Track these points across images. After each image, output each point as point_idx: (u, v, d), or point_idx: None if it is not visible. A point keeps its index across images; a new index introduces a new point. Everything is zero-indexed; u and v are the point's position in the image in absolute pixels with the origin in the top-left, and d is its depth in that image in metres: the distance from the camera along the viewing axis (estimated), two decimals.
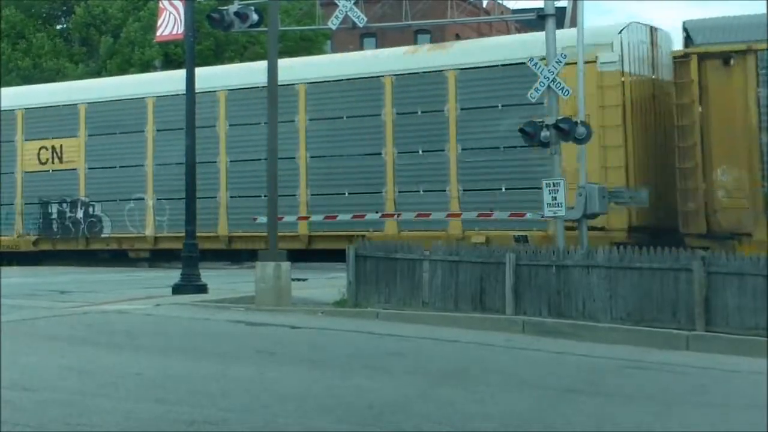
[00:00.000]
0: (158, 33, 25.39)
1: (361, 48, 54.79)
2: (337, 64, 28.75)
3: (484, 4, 64.55)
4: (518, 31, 55.09)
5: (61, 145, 31.25)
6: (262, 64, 31.60)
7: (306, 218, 26.98)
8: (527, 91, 18.15)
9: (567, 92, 17.78)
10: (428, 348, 13.34)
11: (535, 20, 20.81)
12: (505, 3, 57.99)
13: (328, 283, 20.34)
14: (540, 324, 14.84)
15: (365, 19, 20.93)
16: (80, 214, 30.69)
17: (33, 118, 31.89)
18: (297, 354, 12.36)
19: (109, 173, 30.22)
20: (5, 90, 35.68)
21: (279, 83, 27.38)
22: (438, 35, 55.58)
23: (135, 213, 29.72)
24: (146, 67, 41.18)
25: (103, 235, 30.47)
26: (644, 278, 14.48)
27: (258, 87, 26.05)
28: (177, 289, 18.99)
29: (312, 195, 27.11)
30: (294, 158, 27.05)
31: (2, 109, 32.09)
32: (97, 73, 41.25)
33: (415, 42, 53.84)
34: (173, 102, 27.68)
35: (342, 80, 27.06)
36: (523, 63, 18.93)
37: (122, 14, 43.76)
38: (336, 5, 20.90)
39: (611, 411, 9.23)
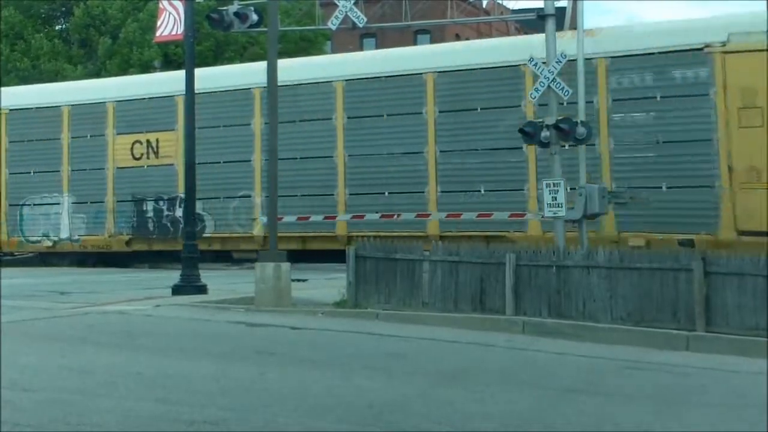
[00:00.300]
0: (158, 33, 25.38)
1: (360, 49, 54.68)
2: (471, 52, 26.77)
3: (484, 4, 64.63)
4: (518, 31, 55.17)
5: (156, 139, 29.39)
6: (378, 53, 30.36)
7: (430, 216, 25.36)
8: (689, 80, 17.02)
9: (567, 92, 17.80)
10: (428, 348, 13.34)
11: (534, 20, 20.81)
12: (504, 3, 58.02)
13: (327, 284, 20.32)
14: (540, 324, 14.83)
15: (365, 19, 20.93)
16: (179, 212, 28.45)
17: (125, 111, 30.10)
18: (297, 354, 12.36)
19: (212, 169, 27.73)
20: (96, 81, 34.49)
21: (405, 72, 26.10)
22: (438, 35, 55.66)
23: (241, 211, 27.79)
24: (146, 67, 41.19)
25: (205, 235, 27.94)
26: (644, 278, 14.48)
27: (377, 77, 25.62)
28: (177, 290, 18.99)
29: (442, 192, 25.39)
30: (422, 153, 25.62)
31: (93, 101, 30.45)
32: (97, 74, 41.23)
33: (414, 43, 53.91)
34: (282, 92, 26.21)
35: (477, 69, 25.12)
36: (688, 50, 17.56)
37: (121, 15, 43.77)
38: (336, 5, 20.91)
39: (611, 411, 9.22)
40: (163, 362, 11.20)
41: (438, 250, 16.51)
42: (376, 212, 25.78)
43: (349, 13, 20.69)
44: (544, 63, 17.95)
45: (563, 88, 17.70)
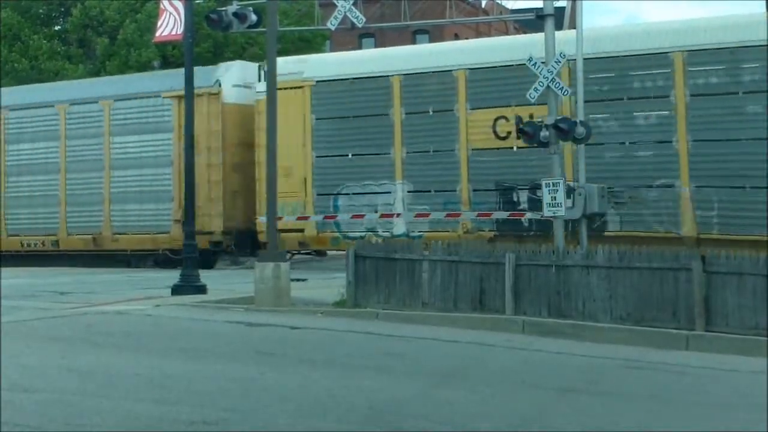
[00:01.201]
0: (158, 33, 25.31)
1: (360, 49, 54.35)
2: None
3: (483, 4, 64.64)
4: (518, 31, 55.19)
5: (530, 115, 22.48)
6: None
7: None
8: None
9: (566, 92, 17.81)
10: (428, 348, 13.34)
11: (533, 20, 20.81)
12: (503, 3, 58.04)
13: (327, 284, 20.32)
14: (540, 324, 14.83)
15: (364, 19, 20.94)
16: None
17: (483, 81, 24.63)
18: (297, 354, 12.35)
19: (614, 151, 22.71)
20: (434, 46, 30.76)
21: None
22: (437, 35, 55.64)
23: (659, 205, 22.32)
24: (144, 68, 41.16)
25: (605, 233, 22.09)
26: (644, 278, 14.48)
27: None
28: (176, 290, 18.98)
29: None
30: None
31: (435, 69, 25.30)
32: (96, 74, 41.25)
33: (414, 43, 53.84)
34: (705, 58, 21.89)
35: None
36: None
37: (119, 16, 43.78)
38: (335, 6, 20.92)
39: (611, 411, 9.22)
40: (163, 362, 11.20)
41: (437, 250, 16.50)
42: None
43: (347, 13, 20.69)
44: (543, 63, 17.95)
45: (562, 87, 17.72)
